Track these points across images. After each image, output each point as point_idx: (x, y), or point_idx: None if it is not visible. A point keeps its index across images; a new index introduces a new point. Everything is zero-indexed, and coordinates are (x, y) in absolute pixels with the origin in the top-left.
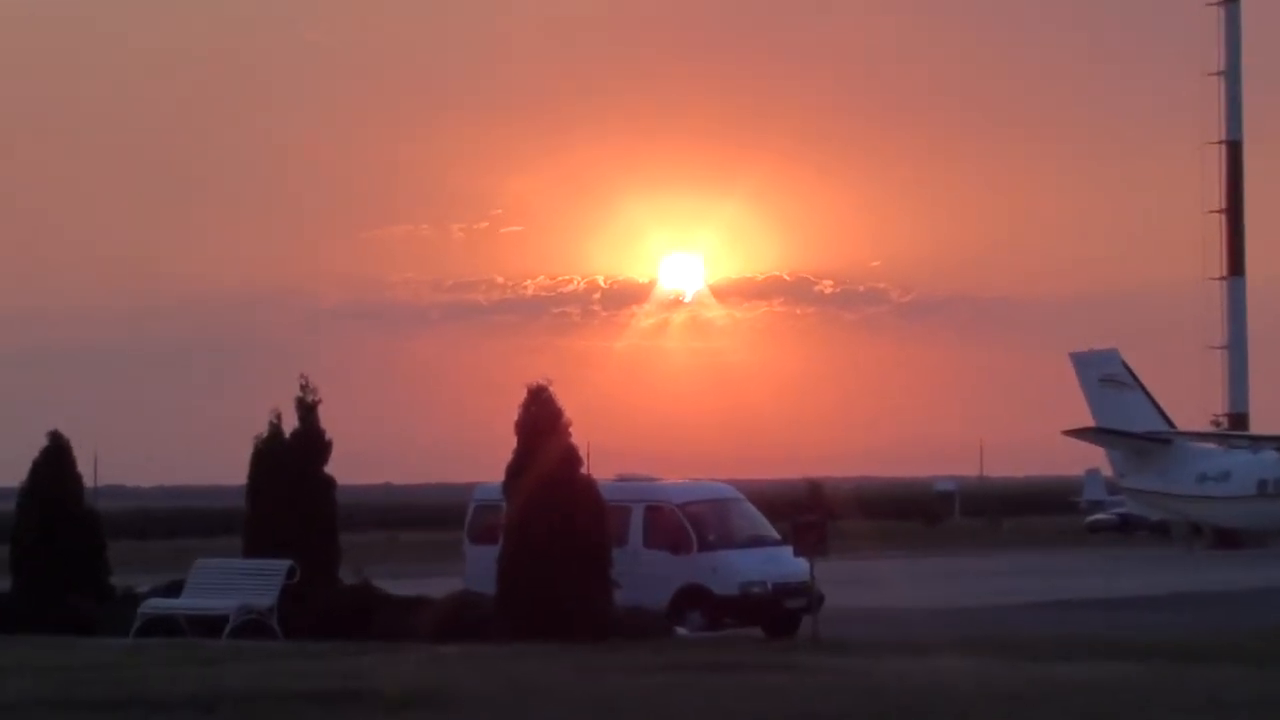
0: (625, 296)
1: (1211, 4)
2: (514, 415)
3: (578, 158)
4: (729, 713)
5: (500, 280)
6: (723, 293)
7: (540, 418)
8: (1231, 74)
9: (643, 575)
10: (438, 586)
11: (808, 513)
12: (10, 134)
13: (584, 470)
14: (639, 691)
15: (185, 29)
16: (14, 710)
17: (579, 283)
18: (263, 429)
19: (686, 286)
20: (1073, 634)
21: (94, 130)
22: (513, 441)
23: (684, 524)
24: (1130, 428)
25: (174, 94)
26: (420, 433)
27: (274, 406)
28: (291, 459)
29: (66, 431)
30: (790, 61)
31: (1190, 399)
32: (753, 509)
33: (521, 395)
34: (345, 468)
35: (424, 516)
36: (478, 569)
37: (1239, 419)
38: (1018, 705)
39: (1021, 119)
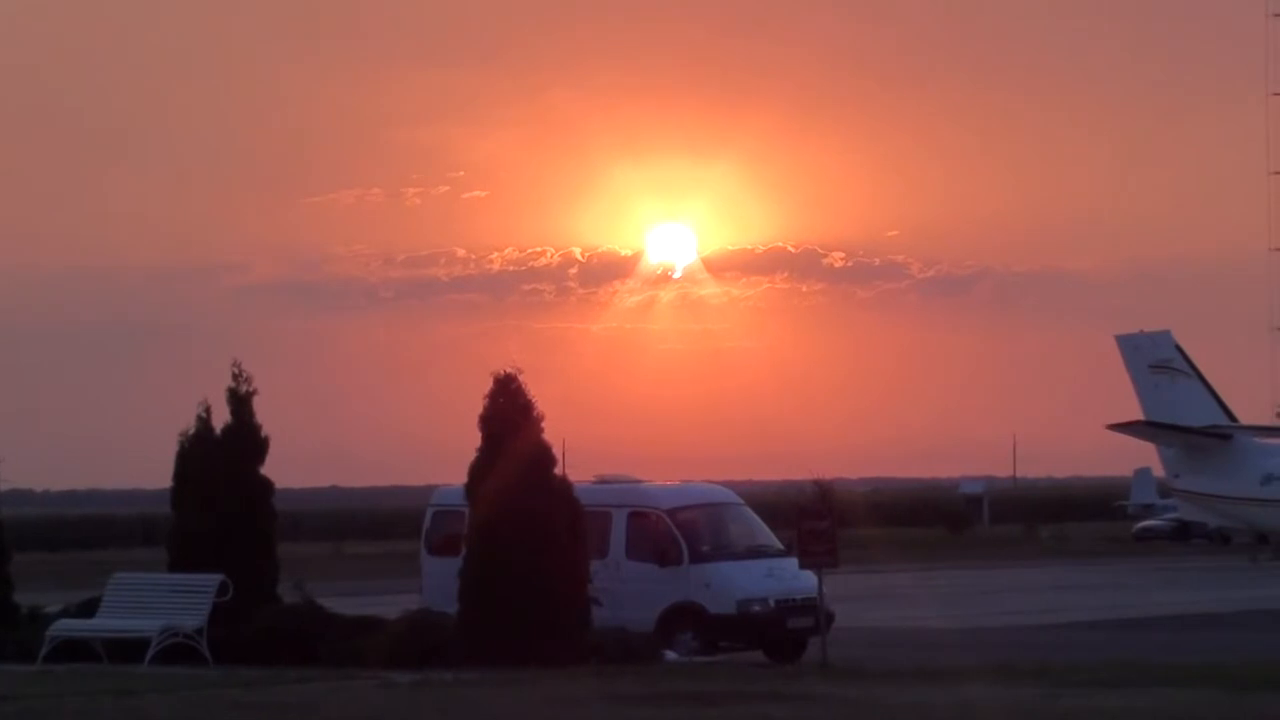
0: (606, 271)
1: None
2: (478, 408)
3: (551, 114)
4: None
5: (462, 253)
6: (717, 267)
7: (508, 411)
8: None
9: (626, 591)
10: (391, 605)
11: (815, 519)
12: None
13: (558, 471)
14: None
15: None
16: None
17: (553, 256)
18: (189, 424)
19: (676, 260)
20: (1119, 658)
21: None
22: (477, 438)
23: (673, 532)
24: (1185, 421)
25: (88, 45)
26: (370, 429)
27: (202, 398)
28: (222, 458)
29: None
30: (792, 9)
31: (1254, 388)
32: (752, 515)
33: (487, 385)
34: (284, 468)
35: (374, 524)
36: (437, 584)
37: None
38: None
39: (1059, 67)
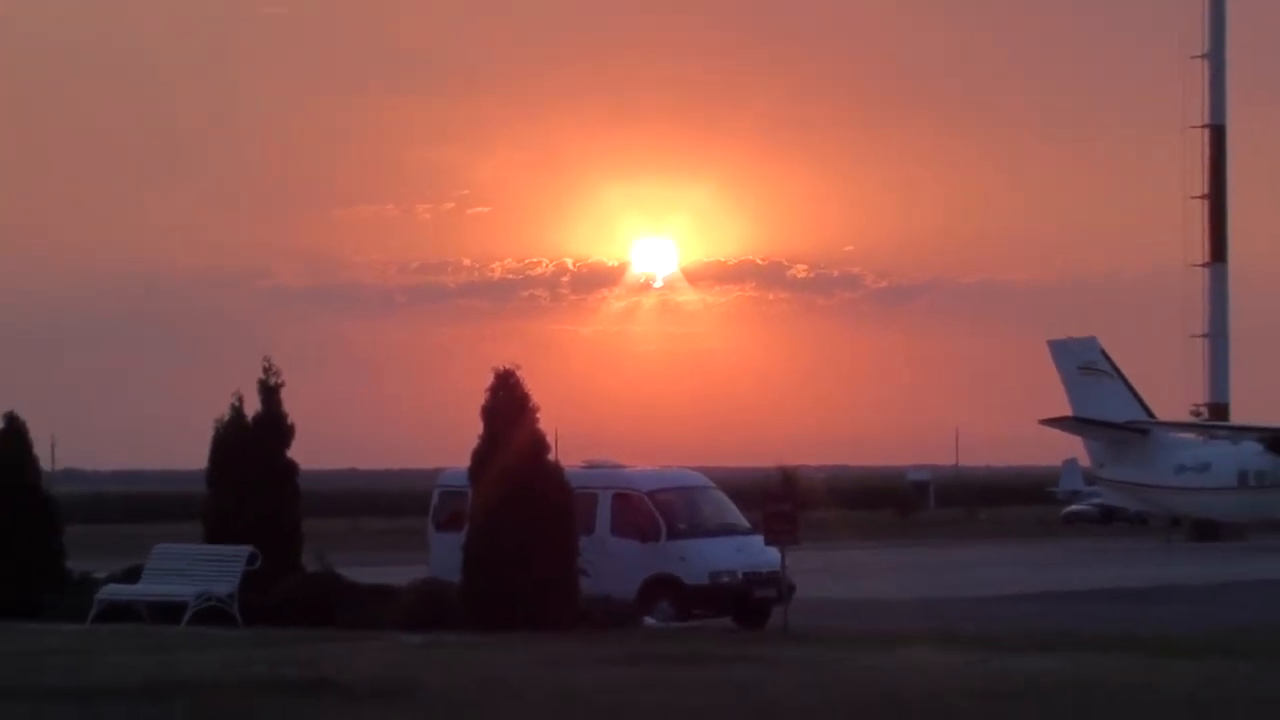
0: (595, 280)
1: None
2: (480, 400)
3: (547, 138)
4: (696, 707)
5: (467, 262)
6: (695, 276)
7: (507, 403)
8: (1215, 57)
9: (610, 564)
10: (402, 574)
11: (779, 502)
12: None
13: (551, 456)
14: (605, 684)
15: (143, 3)
16: None
17: (547, 265)
18: (224, 412)
19: (658, 270)
20: (1050, 627)
21: (50, 110)
22: (479, 427)
23: (653, 512)
24: (1109, 417)
25: (131, 70)
26: (385, 417)
27: (236, 389)
28: (253, 443)
29: (22, 414)
30: (764, 43)
31: (1170, 388)
32: (723, 497)
33: (488, 380)
34: (308, 452)
35: (388, 503)
36: (442, 557)
37: (1219, 409)
38: (993, 701)
39: (1000, 100)
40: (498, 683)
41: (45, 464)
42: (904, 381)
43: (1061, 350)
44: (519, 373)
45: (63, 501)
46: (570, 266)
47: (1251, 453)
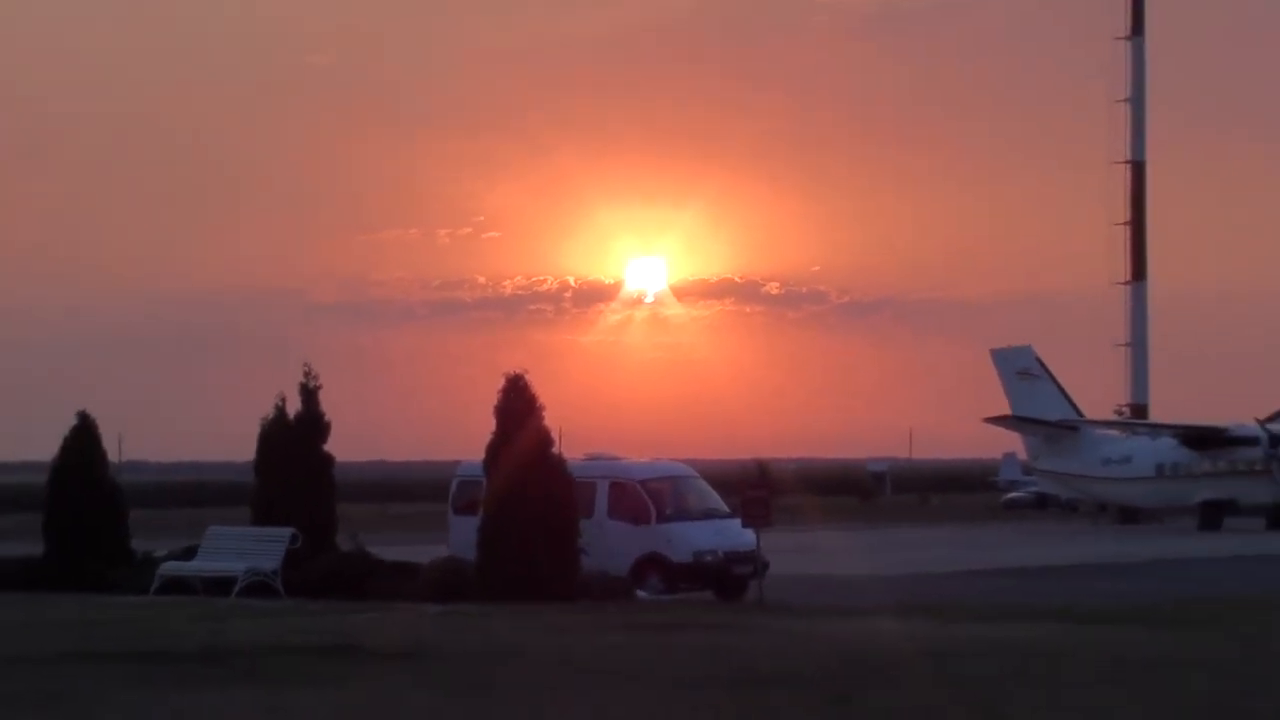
0: (594, 295)
1: (1119, 38)
2: (494, 400)
3: (551, 171)
4: (682, 668)
5: (481, 280)
6: (681, 292)
7: (517, 403)
8: (1136, 101)
9: (607, 544)
10: (424, 553)
11: (755, 489)
12: (43, 148)
13: (555, 450)
14: (602, 648)
15: (206, 55)
16: (42, 661)
17: (552, 283)
18: (269, 411)
19: (649, 287)
20: (992, 599)
21: (121, 146)
22: (492, 424)
23: (644, 499)
24: (1043, 416)
25: (193, 113)
26: (409, 415)
27: (279, 391)
28: (295, 438)
29: (93, 412)
30: (742, 88)
31: (1097, 391)
32: (705, 485)
33: (500, 383)
34: (342, 446)
35: (412, 490)
36: (460, 537)
37: (1140, 409)
38: (943, 662)
39: (949, 141)
40: (508, 647)
41: (113, 457)
42: (864, 385)
43: (1002, 358)
44: (527, 377)
45: (127, 490)
46: (572, 284)
47: (1167, 447)
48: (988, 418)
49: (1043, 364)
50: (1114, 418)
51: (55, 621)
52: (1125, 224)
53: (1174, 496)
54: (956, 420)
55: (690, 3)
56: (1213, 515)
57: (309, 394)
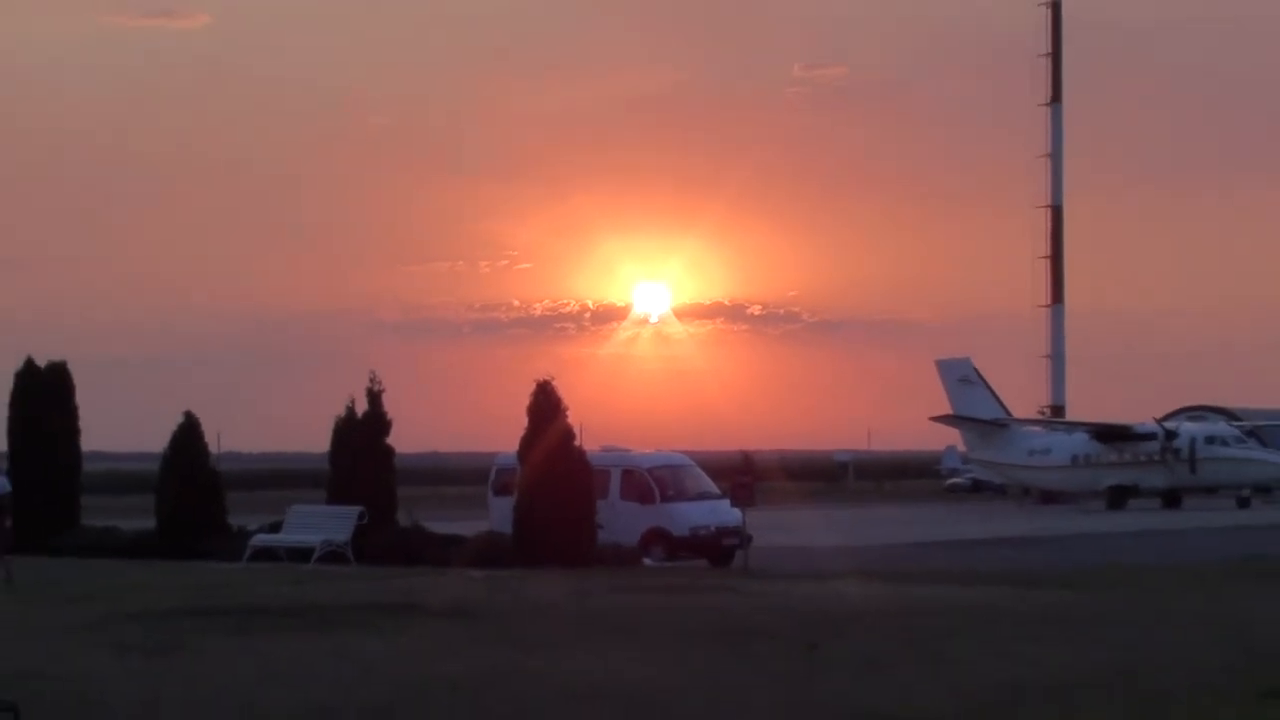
0: (608, 316)
1: (1041, 105)
2: (526, 402)
3: (571, 212)
4: (682, 623)
5: (515, 304)
6: (681, 314)
7: (545, 405)
8: (1055, 155)
9: (619, 521)
10: (470, 527)
11: (741, 475)
12: (160, 192)
13: (576, 443)
14: (616, 606)
15: (293, 119)
16: (155, 616)
17: (574, 305)
18: (341, 410)
19: (654, 309)
20: (939, 566)
21: (224, 191)
22: (525, 422)
23: (650, 483)
24: (979, 415)
25: (282, 165)
26: (457, 415)
27: (350, 394)
28: (362, 433)
29: (196, 412)
30: (727, 147)
31: (1023, 394)
32: (701, 472)
33: (531, 388)
34: (402, 440)
35: (459, 476)
36: (499, 515)
37: (1058, 409)
38: (901, 618)
39: (901, 188)
40: (538, 604)
41: (213, 449)
42: (833, 391)
43: (945, 367)
44: (553, 383)
45: (224, 476)
46: (590, 306)
47: (1081, 441)
48: (933, 416)
49: (979, 373)
50: (1037, 416)
51: (166, 584)
52: (1046, 257)
53: (1087, 482)
54: (908, 419)
55: (683, 76)
56: (1119, 497)
57: (374, 396)
